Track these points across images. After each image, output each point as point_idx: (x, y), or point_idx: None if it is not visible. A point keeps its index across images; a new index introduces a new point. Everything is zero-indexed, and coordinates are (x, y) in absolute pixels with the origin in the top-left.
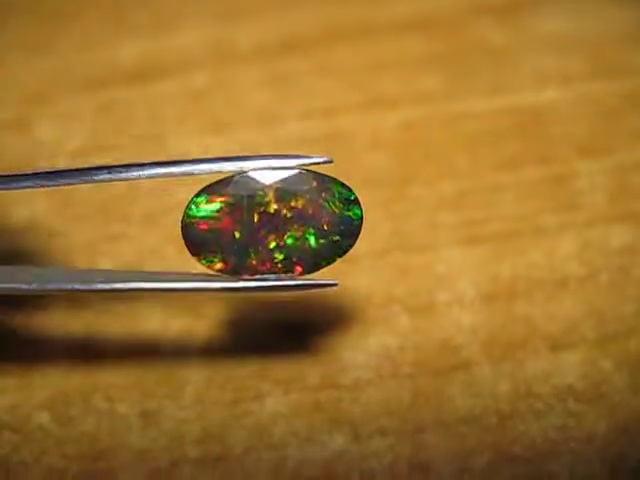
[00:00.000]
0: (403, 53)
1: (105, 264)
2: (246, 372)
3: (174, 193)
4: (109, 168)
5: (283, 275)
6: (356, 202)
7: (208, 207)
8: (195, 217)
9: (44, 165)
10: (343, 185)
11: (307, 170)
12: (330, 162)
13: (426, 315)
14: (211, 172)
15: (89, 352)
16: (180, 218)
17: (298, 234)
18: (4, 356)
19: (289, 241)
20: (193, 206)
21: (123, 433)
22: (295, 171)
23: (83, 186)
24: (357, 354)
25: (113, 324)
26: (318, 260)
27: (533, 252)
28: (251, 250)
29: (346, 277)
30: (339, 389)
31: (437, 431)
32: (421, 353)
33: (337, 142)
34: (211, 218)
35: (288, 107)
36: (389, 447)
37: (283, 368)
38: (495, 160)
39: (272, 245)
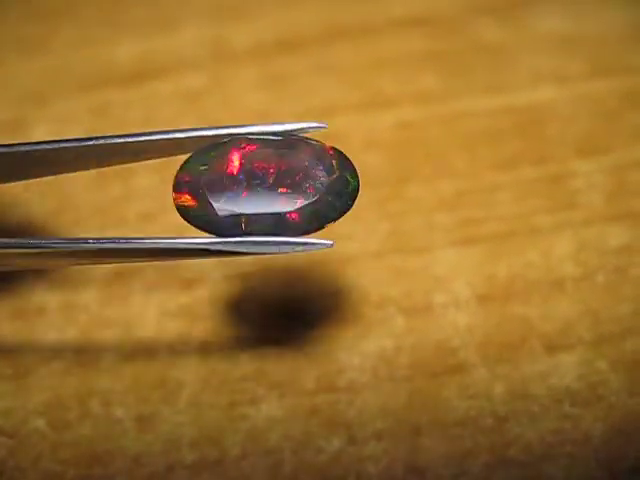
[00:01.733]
0: (400, 52)
1: (102, 267)
2: (241, 375)
3: (169, 194)
4: (96, 138)
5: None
6: (354, 171)
7: (200, 160)
8: (187, 177)
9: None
10: (341, 152)
11: (305, 138)
12: (325, 128)
13: (422, 316)
14: (204, 138)
15: (84, 356)
16: (175, 218)
17: (294, 189)
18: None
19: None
20: (188, 162)
21: (119, 437)
22: (292, 138)
23: (79, 188)
24: (353, 356)
25: (108, 328)
26: (312, 216)
27: (530, 252)
28: (244, 202)
29: (342, 278)
30: (335, 392)
31: (433, 433)
32: (417, 355)
33: (334, 141)
34: (205, 174)
35: (285, 107)
36: (385, 450)
37: (279, 371)
38: (493, 159)
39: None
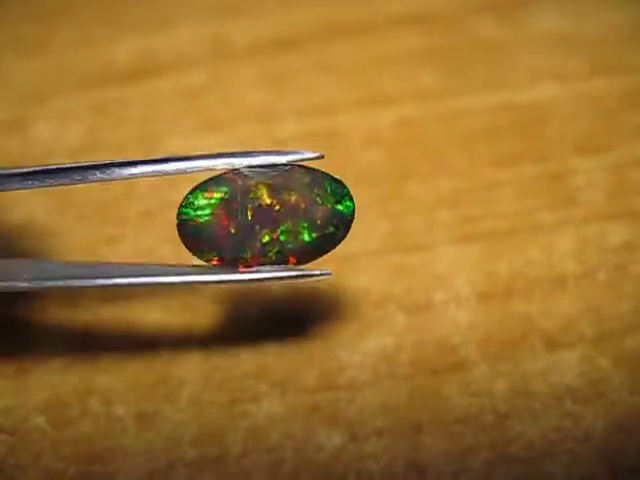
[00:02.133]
0: (399, 50)
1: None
2: (242, 373)
3: (169, 192)
4: (101, 167)
5: (277, 266)
6: (348, 195)
7: (202, 203)
8: (189, 214)
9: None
10: (334, 179)
11: (299, 166)
12: (321, 158)
13: (423, 314)
14: (204, 169)
15: (85, 354)
16: (175, 216)
17: (291, 228)
18: (0, 358)
19: (282, 237)
20: (187, 203)
21: (120, 435)
22: (287, 167)
23: (80, 186)
24: (353, 354)
25: (109, 326)
26: (311, 253)
27: (530, 250)
28: (246, 245)
29: (342, 276)
30: (336, 390)
31: (434, 431)
32: (418, 352)
33: (334, 139)
34: (205, 214)
35: (285, 105)
36: (386, 447)
37: (280, 369)
38: (492, 157)
39: (266, 239)
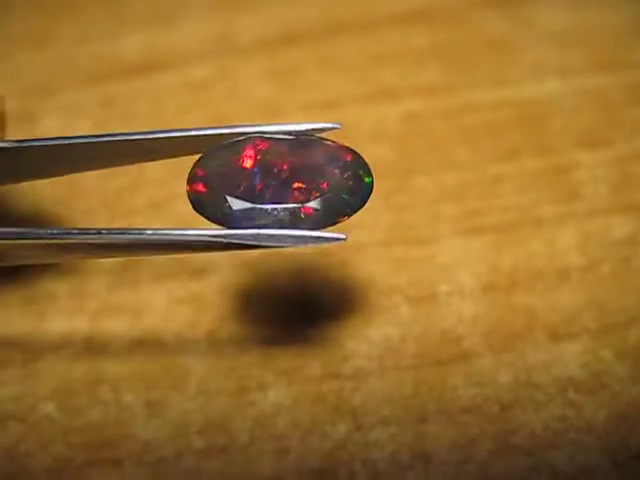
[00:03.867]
0: (405, 45)
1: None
2: (249, 362)
3: (177, 183)
4: (109, 135)
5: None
6: (366, 166)
7: (217, 155)
8: (202, 171)
9: None
10: (353, 150)
11: (318, 137)
12: (338, 128)
13: (428, 305)
14: (218, 136)
15: (94, 343)
16: (184, 208)
17: (308, 185)
18: (9, 347)
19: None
20: (202, 158)
21: (128, 423)
22: (305, 136)
23: (87, 177)
24: (359, 344)
25: (117, 315)
26: (326, 214)
27: (534, 243)
28: (257, 196)
29: (348, 267)
30: (341, 379)
31: (439, 421)
32: (423, 343)
33: (340, 134)
34: (219, 168)
35: (290, 100)
36: (391, 437)
37: (286, 358)
38: (496, 152)
39: (281, 192)
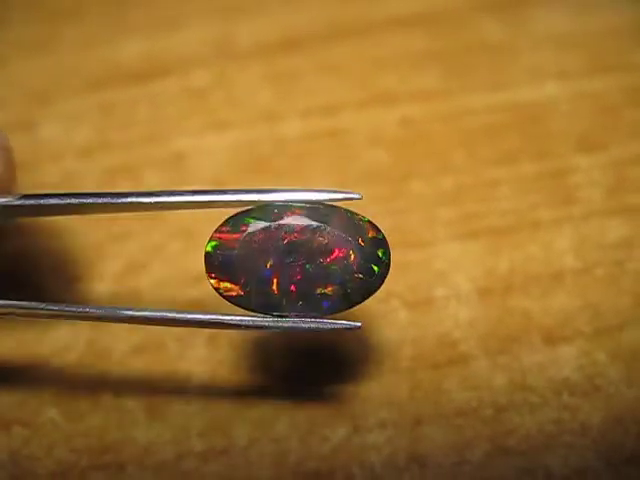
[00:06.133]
0: (402, 50)
1: (112, 263)
2: (249, 366)
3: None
4: (135, 195)
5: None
6: (384, 242)
7: (233, 236)
8: (220, 245)
9: (50, 165)
10: (371, 224)
11: (335, 206)
12: (359, 198)
13: (424, 309)
14: (240, 203)
15: (96, 348)
16: (183, 218)
17: (322, 267)
18: (13, 352)
19: (310, 268)
20: (219, 234)
21: (130, 427)
22: (323, 205)
23: (89, 185)
24: (357, 347)
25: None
26: (342, 299)
27: (530, 246)
28: (273, 278)
29: None
30: (340, 382)
31: (435, 423)
32: (419, 347)
33: (337, 139)
34: (235, 245)
35: (289, 105)
36: (388, 439)
37: (284, 362)
38: (493, 155)
39: (295, 278)
